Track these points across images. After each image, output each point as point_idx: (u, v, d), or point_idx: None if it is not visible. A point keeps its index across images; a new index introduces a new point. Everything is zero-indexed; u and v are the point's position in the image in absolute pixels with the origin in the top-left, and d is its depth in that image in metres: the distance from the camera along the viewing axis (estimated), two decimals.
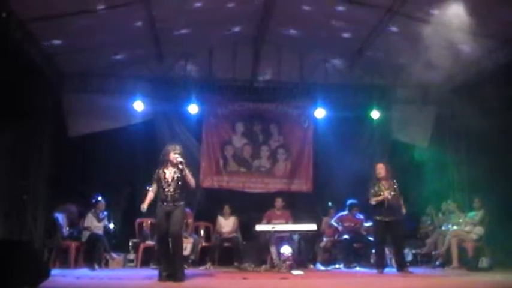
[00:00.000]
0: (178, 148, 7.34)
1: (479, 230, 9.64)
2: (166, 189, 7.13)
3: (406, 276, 8.09)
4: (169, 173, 7.21)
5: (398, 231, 8.82)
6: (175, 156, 7.21)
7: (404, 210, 8.75)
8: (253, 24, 10.82)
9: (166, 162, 7.28)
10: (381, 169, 8.90)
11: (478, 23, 8.47)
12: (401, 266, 8.66)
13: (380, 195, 8.71)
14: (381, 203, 8.70)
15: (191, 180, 7.24)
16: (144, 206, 7.25)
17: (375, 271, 8.79)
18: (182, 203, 7.19)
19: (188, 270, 8.31)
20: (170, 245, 7.12)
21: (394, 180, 8.86)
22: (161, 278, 6.99)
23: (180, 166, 7.15)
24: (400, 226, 8.80)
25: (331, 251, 10.59)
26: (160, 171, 7.26)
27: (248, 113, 12.48)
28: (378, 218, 8.75)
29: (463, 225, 9.93)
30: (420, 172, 10.87)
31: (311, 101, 12.26)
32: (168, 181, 7.16)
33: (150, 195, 7.31)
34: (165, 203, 7.11)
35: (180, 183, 7.17)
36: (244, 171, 12.38)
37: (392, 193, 8.66)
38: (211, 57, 12.06)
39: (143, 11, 9.34)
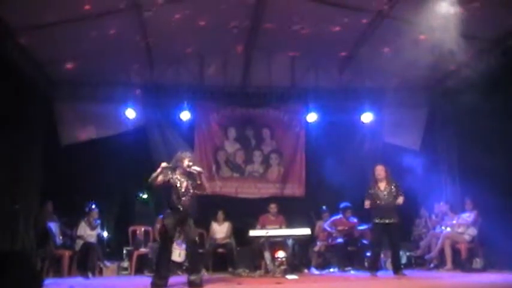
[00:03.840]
0: (190, 156, 7.40)
1: (472, 231, 9.67)
2: (183, 199, 7.14)
3: (401, 279, 8.10)
4: (185, 182, 7.22)
5: (396, 234, 8.84)
6: (189, 164, 7.21)
7: (401, 199, 8.74)
8: (243, 29, 10.82)
9: (178, 168, 7.27)
10: (380, 171, 8.93)
11: (468, 25, 8.52)
12: (397, 268, 8.67)
13: (374, 198, 8.75)
14: (378, 206, 8.71)
15: (205, 184, 7.43)
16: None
17: (368, 274, 8.80)
18: (193, 209, 7.26)
19: (182, 277, 8.30)
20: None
21: (394, 184, 8.86)
22: (154, 284, 6.95)
23: (199, 175, 7.21)
24: (397, 229, 8.82)
25: (325, 255, 10.58)
26: (175, 177, 7.22)
27: (240, 118, 12.50)
28: (376, 220, 8.75)
29: (456, 227, 9.95)
30: (412, 174, 10.89)
31: (302, 106, 12.30)
32: (182, 191, 7.16)
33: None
34: (177, 213, 7.11)
35: (193, 193, 7.24)
36: (237, 176, 12.38)
37: (387, 196, 8.70)
38: (202, 63, 12.08)
39: (133, 18, 9.35)
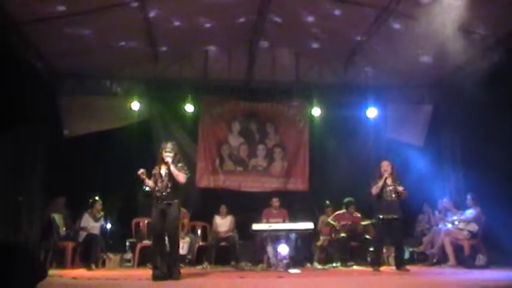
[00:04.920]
0: (168, 146, 7.37)
1: (472, 227, 9.64)
2: (160, 186, 7.19)
3: (403, 274, 8.10)
4: (164, 169, 7.27)
5: (399, 230, 8.82)
6: (165, 154, 7.27)
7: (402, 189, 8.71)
8: (248, 24, 10.81)
9: (161, 160, 7.32)
10: (386, 166, 8.87)
11: (472, 22, 8.50)
12: (400, 264, 8.66)
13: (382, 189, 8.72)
14: (381, 201, 8.68)
15: (178, 176, 7.21)
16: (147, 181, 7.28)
17: (371, 269, 8.80)
18: (176, 200, 7.19)
19: (185, 270, 8.33)
20: (166, 244, 7.17)
21: (398, 181, 8.81)
22: (155, 277, 6.95)
23: (167, 165, 7.22)
24: (400, 225, 8.81)
25: (328, 250, 10.59)
26: (157, 167, 7.33)
27: (244, 113, 12.52)
28: (379, 216, 8.72)
29: (456, 223, 9.95)
30: (416, 171, 10.88)
31: (307, 101, 12.30)
32: (161, 177, 7.22)
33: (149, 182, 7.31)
34: (159, 201, 7.15)
35: (172, 179, 7.20)
36: (240, 170, 12.40)
37: (393, 192, 8.68)
38: (206, 57, 12.07)
39: (138, 12, 9.35)
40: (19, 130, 9.56)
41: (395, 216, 8.63)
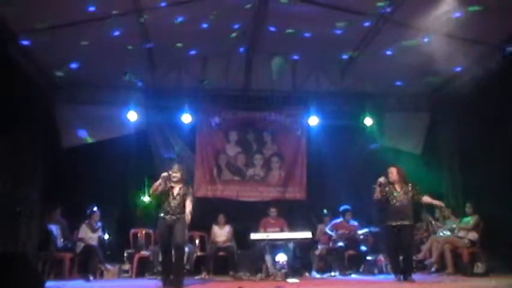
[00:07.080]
0: (174, 167, 7.82)
1: (472, 236, 9.63)
2: (172, 203, 7.58)
3: (403, 283, 8.03)
4: (176, 188, 7.68)
5: (408, 237, 8.36)
6: (173, 175, 7.68)
7: (426, 197, 8.54)
8: (245, 33, 10.83)
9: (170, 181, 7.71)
10: (391, 173, 8.55)
11: (469, 29, 8.54)
12: (409, 272, 8.23)
13: (388, 197, 8.43)
14: (389, 208, 8.45)
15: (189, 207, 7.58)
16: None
17: (395, 279, 8.39)
18: (183, 215, 7.50)
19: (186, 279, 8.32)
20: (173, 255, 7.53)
21: (410, 184, 8.53)
22: (163, 285, 7.33)
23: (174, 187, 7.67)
24: (409, 231, 8.42)
25: (326, 259, 10.57)
26: (169, 184, 7.67)
27: (241, 122, 12.50)
28: (388, 223, 8.36)
29: (456, 231, 9.94)
30: (414, 179, 10.87)
31: (304, 109, 12.28)
32: (174, 195, 7.62)
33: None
34: (167, 216, 7.52)
35: (184, 200, 7.61)
36: (238, 179, 12.36)
37: (402, 196, 8.47)
38: (204, 66, 12.08)
39: (135, 21, 9.36)
40: (16, 140, 9.55)
41: (404, 223, 8.22)
